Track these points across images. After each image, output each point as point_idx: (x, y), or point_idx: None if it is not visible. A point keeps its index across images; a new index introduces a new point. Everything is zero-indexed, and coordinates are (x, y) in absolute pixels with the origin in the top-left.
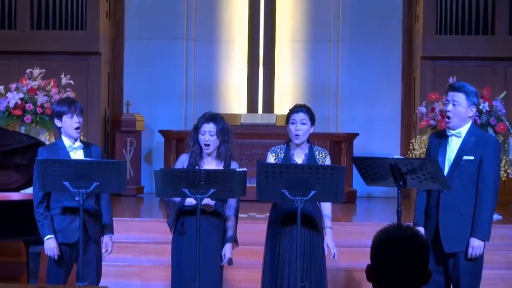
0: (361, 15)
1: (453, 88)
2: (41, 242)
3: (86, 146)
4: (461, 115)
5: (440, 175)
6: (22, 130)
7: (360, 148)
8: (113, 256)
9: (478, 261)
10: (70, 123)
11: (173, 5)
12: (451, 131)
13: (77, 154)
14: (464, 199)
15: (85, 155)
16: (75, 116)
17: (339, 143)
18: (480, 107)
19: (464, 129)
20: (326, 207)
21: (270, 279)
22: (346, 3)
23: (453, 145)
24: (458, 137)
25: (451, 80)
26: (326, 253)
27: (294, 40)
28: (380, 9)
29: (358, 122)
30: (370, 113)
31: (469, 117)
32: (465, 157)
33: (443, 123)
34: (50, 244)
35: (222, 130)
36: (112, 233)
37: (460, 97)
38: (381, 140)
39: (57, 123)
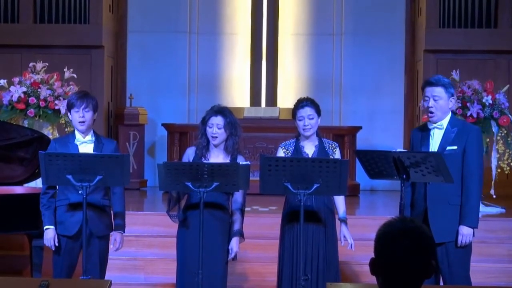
0: (364, 8)
1: (430, 83)
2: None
3: (99, 141)
4: (443, 108)
5: (443, 168)
6: (25, 123)
7: (363, 141)
8: None
9: (467, 249)
10: (75, 116)
11: None
12: (432, 124)
13: (87, 148)
14: (451, 188)
15: (95, 150)
16: (81, 110)
17: (342, 136)
18: (483, 100)
19: (445, 121)
20: (340, 200)
21: (288, 272)
22: None
23: (436, 137)
24: (440, 129)
25: (454, 73)
26: (342, 244)
27: (297, 33)
28: (383, 2)
29: (361, 115)
30: (373, 106)
31: (450, 108)
32: (448, 148)
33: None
34: (48, 235)
35: (230, 124)
36: (123, 230)
37: (439, 91)
38: (384, 133)
39: (69, 116)
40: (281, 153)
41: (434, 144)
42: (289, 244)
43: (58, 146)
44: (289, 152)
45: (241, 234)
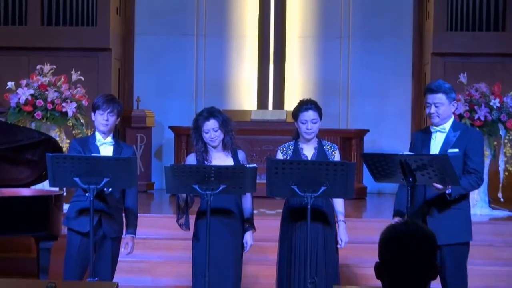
0: (371, 11)
1: (431, 90)
2: (51, 238)
3: (118, 144)
4: (445, 113)
5: (449, 171)
6: (33, 126)
7: (370, 144)
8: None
9: (464, 251)
10: (99, 118)
11: (183, 1)
12: (435, 127)
13: (107, 149)
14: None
15: (115, 152)
16: (105, 114)
17: (350, 139)
18: (491, 103)
19: (447, 125)
20: (338, 202)
21: (286, 274)
22: None
23: (438, 140)
24: (443, 132)
25: (462, 76)
26: (339, 245)
27: (305, 36)
28: (391, 5)
29: (368, 118)
30: (380, 109)
31: (453, 112)
32: (450, 150)
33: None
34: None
35: (224, 122)
36: (134, 233)
37: (440, 97)
38: (391, 136)
39: (92, 116)
40: (279, 156)
41: (436, 147)
42: (287, 245)
43: (81, 146)
44: (287, 155)
45: (253, 227)
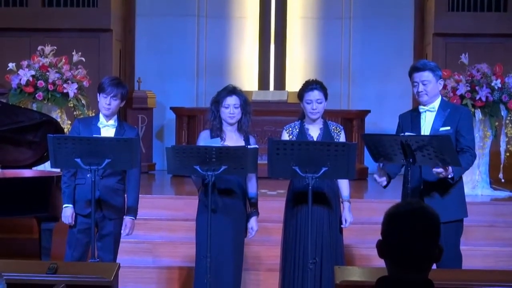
0: None
1: (417, 69)
2: (53, 219)
3: (121, 126)
4: (433, 91)
5: (450, 151)
6: (34, 107)
7: (371, 125)
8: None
9: (458, 228)
10: (102, 101)
11: None
12: (423, 107)
13: (109, 131)
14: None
15: (117, 134)
16: (108, 98)
17: (351, 120)
18: (492, 84)
19: (436, 104)
20: (343, 183)
21: (291, 256)
22: None
23: (428, 120)
24: (432, 111)
25: (463, 57)
26: (342, 225)
27: (306, 17)
28: None
29: (370, 99)
30: (381, 90)
31: (439, 90)
32: (441, 129)
33: (418, 99)
34: (66, 213)
35: (245, 102)
36: (134, 216)
37: (427, 75)
38: (392, 117)
39: (98, 97)
40: (285, 135)
41: (427, 126)
42: (293, 227)
43: (81, 126)
44: (293, 135)
45: (257, 212)
